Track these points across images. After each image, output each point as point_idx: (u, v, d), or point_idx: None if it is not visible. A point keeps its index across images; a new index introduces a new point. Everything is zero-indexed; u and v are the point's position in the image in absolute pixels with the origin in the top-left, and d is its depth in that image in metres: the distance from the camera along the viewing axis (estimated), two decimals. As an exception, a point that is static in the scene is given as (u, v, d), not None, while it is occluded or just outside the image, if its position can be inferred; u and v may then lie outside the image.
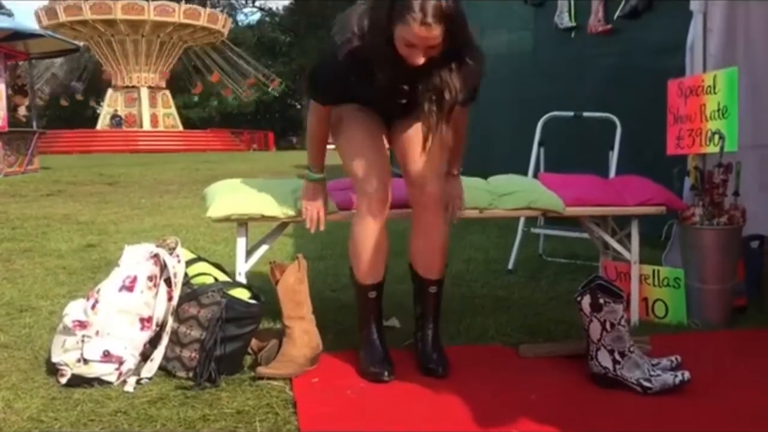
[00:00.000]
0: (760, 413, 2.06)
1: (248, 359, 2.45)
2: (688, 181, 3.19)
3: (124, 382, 2.29)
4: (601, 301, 2.24)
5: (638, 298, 2.98)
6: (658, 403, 2.15)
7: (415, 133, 2.39)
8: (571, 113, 4.15)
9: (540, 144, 4.22)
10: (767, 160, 3.46)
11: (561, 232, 4.18)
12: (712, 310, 2.94)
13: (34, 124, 14.49)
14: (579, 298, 2.30)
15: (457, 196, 2.53)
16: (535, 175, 3.79)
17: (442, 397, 2.17)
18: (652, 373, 2.21)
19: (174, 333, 2.39)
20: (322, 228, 2.53)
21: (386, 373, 2.29)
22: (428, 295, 2.45)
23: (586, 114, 4.16)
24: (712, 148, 3.00)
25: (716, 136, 2.96)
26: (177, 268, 2.44)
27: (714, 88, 2.99)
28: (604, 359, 2.25)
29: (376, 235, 2.37)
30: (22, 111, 14.71)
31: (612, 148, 4.10)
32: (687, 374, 2.20)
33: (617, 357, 2.24)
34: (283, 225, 2.75)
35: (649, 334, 2.64)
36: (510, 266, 4.01)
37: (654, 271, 3.02)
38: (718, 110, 2.96)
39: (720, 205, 3.00)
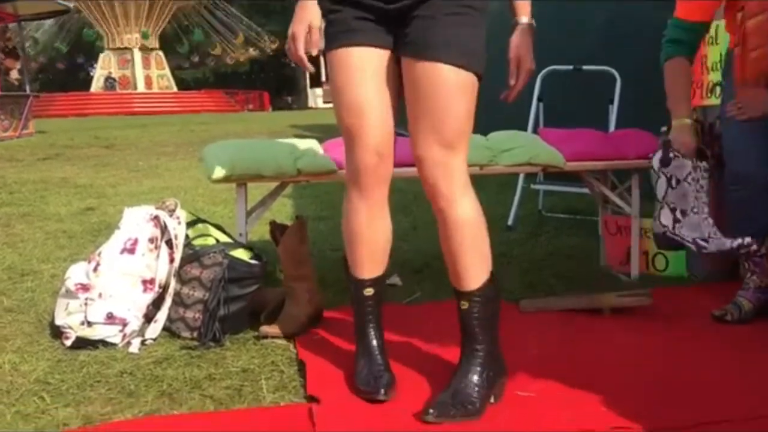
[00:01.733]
0: (748, 347, 2.09)
1: (252, 319, 2.46)
2: (689, 134, 3.17)
3: (129, 343, 2.30)
4: (671, 155, 2.21)
5: (638, 252, 2.99)
6: (659, 355, 2.17)
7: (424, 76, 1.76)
8: (570, 67, 4.11)
9: (539, 99, 4.19)
10: None
11: (561, 188, 4.17)
12: (713, 263, 2.95)
13: (27, 87, 14.33)
14: (651, 155, 2.27)
15: (520, 53, 1.85)
16: (535, 131, 3.77)
17: (443, 351, 2.19)
18: (712, 235, 2.18)
19: (177, 294, 2.40)
20: (313, 51, 1.83)
21: (382, 392, 1.85)
22: (460, 313, 1.87)
23: (585, 67, 4.11)
24: (714, 100, 2.98)
25: (717, 88, 2.93)
26: (178, 230, 2.44)
27: (716, 39, 2.95)
28: (666, 218, 2.20)
29: (368, 219, 1.93)
30: (14, 74, 14.53)
31: (612, 102, 4.07)
32: (748, 239, 2.20)
33: (678, 216, 2.17)
34: (283, 185, 2.74)
35: (650, 287, 2.65)
36: (510, 222, 4.02)
37: (654, 224, 3.02)
38: (720, 61, 2.93)
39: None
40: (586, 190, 3.56)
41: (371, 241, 1.97)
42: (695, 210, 2.18)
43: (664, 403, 1.84)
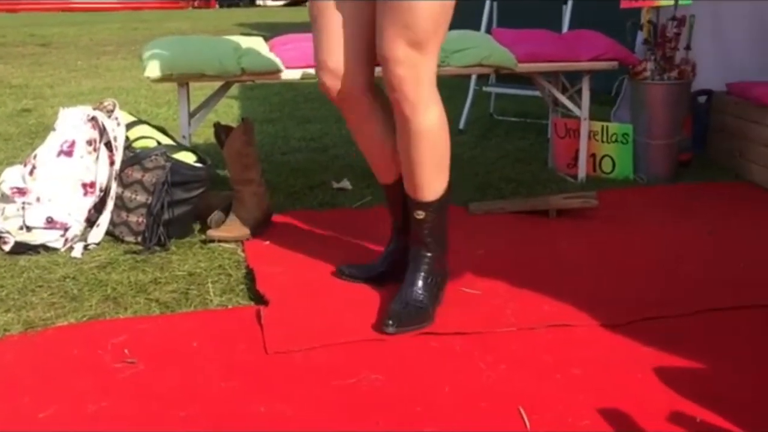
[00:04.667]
0: (692, 248, 2.16)
1: (198, 224, 2.42)
2: (641, 35, 3.15)
3: (71, 248, 2.25)
4: None
5: (586, 155, 3.01)
6: (602, 255, 2.22)
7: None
8: (525, -36, 3.99)
9: (492, -2, 4.08)
10: (719, 14, 3.42)
11: (512, 90, 4.13)
12: (658, 165, 3.00)
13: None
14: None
15: None
16: (488, 31, 3.69)
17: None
18: None
19: (119, 198, 2.33)
20: None
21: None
22: (413, 221, 1.84)
23: (540, -35, 4.00)
24: (667, 2, 2.94)
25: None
26: (117, 132, 2.35)
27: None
28: None
29: (355, 126, 1.89)
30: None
31: (565, 2, 3.99)
32: None
33: None
34: (227, 85, 2.63)
35: (596, 189, 2.69)
36: (461, 126, 3.98)
37: (603, 127, 3.03)
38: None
39: (671, 60, 2.98)
40: (537, 93, 3.54)
41: (367, 145, 1.93)
42: None
43: (602, 301, 1.90)
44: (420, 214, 1.81)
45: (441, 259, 1.86)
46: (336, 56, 1.76)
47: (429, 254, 1.83)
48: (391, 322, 1.73)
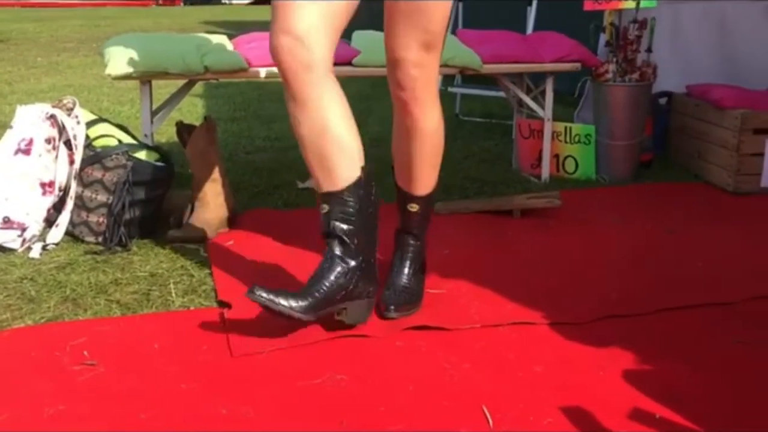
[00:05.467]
0: (653, 247, 2.20)
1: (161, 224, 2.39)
2: (604, 38, 3.19)
3: (29, 248, 2.20)
4: None
5: (549, 155, 3.04)
6: (566, 254, 2.25)
7: None
8: (491, -34, 4.02)
9: (458, -1, 4.10)
10: (680, 17, 3.48)
11: (478, 91, 4.16)
12: (620, 166, 3.04)
13: None
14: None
15: None
16: (454, 32, 3.71)
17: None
18: None
19: (79, 198, 2.29)
20: None
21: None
22: (406, 214, 1.91)
23: (505, -33, 4.03)
24: (630, 4, 2.98)
25: (633, -9, 2.93)
26: (76, 130, 2.30)
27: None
28: None
29: (304, 121, 1.66)
30: None
31: (530, 3, 4.02)
32: None
33: None
34: (190, 83, 2.60)
35: (559, 189, 2.71)
36: (427, 125, 3.99)
37: (566, 128, 3.07)
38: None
39: (633, 62, 3.03)
40: (502, 94, 3.56)
41: (313, 147, 1.69)
42: None
43: (565, 299, 1.92)
44: (414, 207, 1.89)
45: (423, 249, 1.96)
46: (307, 21, 1.59)
47: (416, 243, 1.93)
48: (393, 307, 1.80)
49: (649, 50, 3.06)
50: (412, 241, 1.93)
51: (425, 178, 1.88)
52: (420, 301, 1.88)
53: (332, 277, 1.67)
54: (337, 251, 1.69)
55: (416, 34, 1.69)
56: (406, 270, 1.91)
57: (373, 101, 4.67)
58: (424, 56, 1.71)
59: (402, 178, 1.90)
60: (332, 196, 1.68)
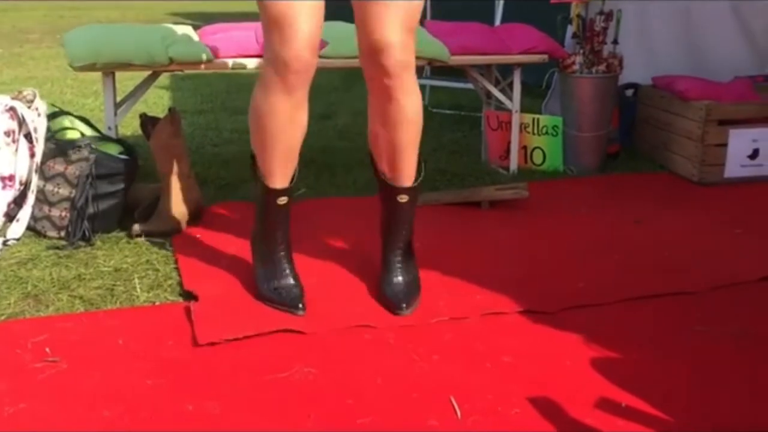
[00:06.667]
0: (620, 237, 2.22)
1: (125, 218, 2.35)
2: (571, 29, 3.21)
3: (-11, 244, 2.15)
4: None
5: (518, 147, 3.05)
6: (534, 245, 2.26)
7: None
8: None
9: (427, -10, 4.09)
10: (646, 10, 3.51)
11: (447, 83, 4.15)
12: (587, 157, 3.06)
13: None
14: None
15: None
16: (422, 23, 3.70)
17: (329, 245, 2.19)
18: None
19: (40, 191, 2.24)
20: None
21: (300, 306, 1.78)
22: (397, 206, 1.87)
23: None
24: (596, -4, 3.00)
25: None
26: (37, 122, 2.25)
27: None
28: None
29: (290, 119, 1.72)
30: None
31: (498, -4, 4.03)
32: None
33: None
34: (154, 75, 2.56)
35: (527, 181, 2.73)
36: (396, 117, 3.98)
37: (534, 119, 3.08)
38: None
39: (599, 54, 3.05)
40: (471, 86, 3.56)
41: (291, 140, 1.76)
42: None
43: (533, 289, 1.93)
44: (404, 198, 1.85)
45: (412, 234, 1.94)
46: (311, 22, 1.64)
47: (407, 233, 1.91)
48: (404, 305, 1.79)
49: (615, 42, 3.08)
50: (403, 232, 1.90)
51: (412, 167, 1.85)
52: (420, 287, 1.89)
53: None
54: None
55: (400, 17, 1.65)
56: (402, 263, 1.90)
57: (342, 92, 4.64)
58: (407, 40, 1.68)
59: (387, 170, 1.85)
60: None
